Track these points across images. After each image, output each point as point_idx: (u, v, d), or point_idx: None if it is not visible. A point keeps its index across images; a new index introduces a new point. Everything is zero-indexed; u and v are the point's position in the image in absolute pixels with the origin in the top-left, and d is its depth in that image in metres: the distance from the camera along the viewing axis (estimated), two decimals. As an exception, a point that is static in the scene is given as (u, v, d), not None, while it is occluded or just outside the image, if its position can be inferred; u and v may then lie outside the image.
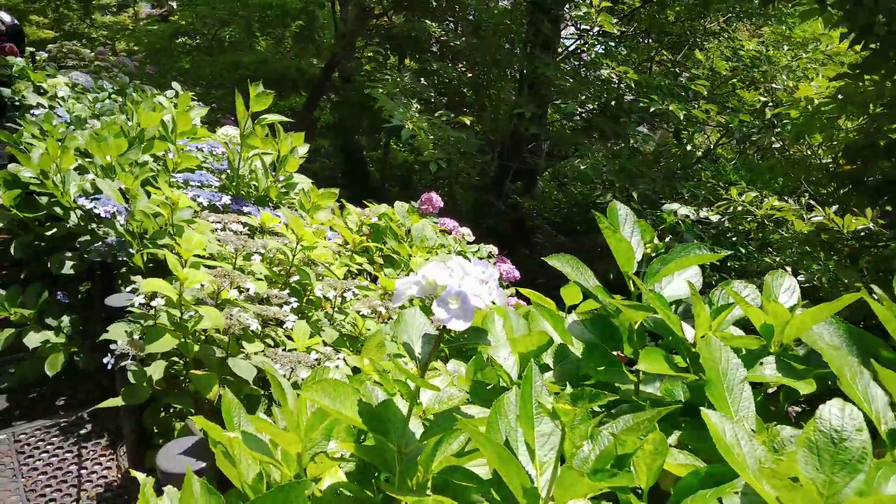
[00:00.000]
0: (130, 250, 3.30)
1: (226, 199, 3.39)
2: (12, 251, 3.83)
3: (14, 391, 3.78)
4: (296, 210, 3.69)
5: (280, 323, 2.01)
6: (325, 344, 2.05)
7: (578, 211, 7.66)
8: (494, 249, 4.62)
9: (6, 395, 3.74)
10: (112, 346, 1.90)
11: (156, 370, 1.84)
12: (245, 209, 3.38)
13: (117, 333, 1.94)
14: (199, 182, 3.58)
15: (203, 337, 1.96)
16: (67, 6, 16.10)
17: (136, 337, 1.95)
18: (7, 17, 11.54)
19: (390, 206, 3.77)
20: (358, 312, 2.23)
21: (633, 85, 5.93)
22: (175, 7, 14.49)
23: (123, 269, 3.35)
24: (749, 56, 6.74)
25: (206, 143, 4.11)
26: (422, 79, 7.71)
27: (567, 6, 7.44)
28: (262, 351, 1.90)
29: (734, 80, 6.95)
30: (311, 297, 2.33)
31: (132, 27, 15.28)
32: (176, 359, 2.01)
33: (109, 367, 1.91)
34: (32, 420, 3.42)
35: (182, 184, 3.60)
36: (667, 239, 5.00)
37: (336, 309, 2.27)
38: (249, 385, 1.86)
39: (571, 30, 8.89)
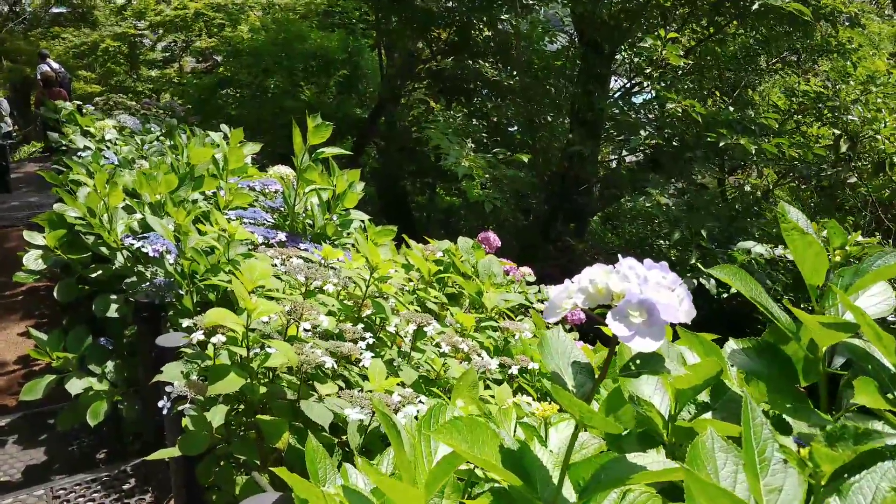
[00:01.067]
0: (180, 291, 3.11)
1: (281, 236, 3.19)
2: (56, 294, 3.66)
3: (54, 441, 3.57)
4: (353, 248, 3.47)
5: (354, 361, 1.76)
6: (403, 385, 1.80)
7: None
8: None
9: (45, 447, 3.53)
10: (167, 389, 1.67)
11: (216, 415, 1.60)
12: (301, 246, 3.17)
13: (172, 374, 1.71)
14: (251, 219, 3.38)
15: (270, 377, 1.72)
16: (115, 61, 16.43)
17: (193, 377, 1.72)
18: (56, 65, 11.74)
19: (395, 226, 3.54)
20: (437, 347, 1.98)
21: (699, 120, 5.69)
22: (219, 60, 14.67)
23: (171, 312, 3.15)
24: (813, 92, 6.47)
25: (258, 181, 3.94)
26: (473, 120, 7.55)
27: (623, 45, 7.28)
28: (337, 393, 1.65)
29: (798, 116, 6.68)
30: (382, 335, 2.09)
31: (177, 80, 15.51)
32: (236, 402, 1.77)
33: (165, 411, 1.68)
34: (72, 474, 3.20)
35: (234, 221, 3.42)
36: (740, 280, 4.71)
37: (412, 346, 2.02)
38: (323, 432, 1.61)
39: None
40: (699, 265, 5.06)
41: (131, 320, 3.46)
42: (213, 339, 1.71)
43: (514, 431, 1.24)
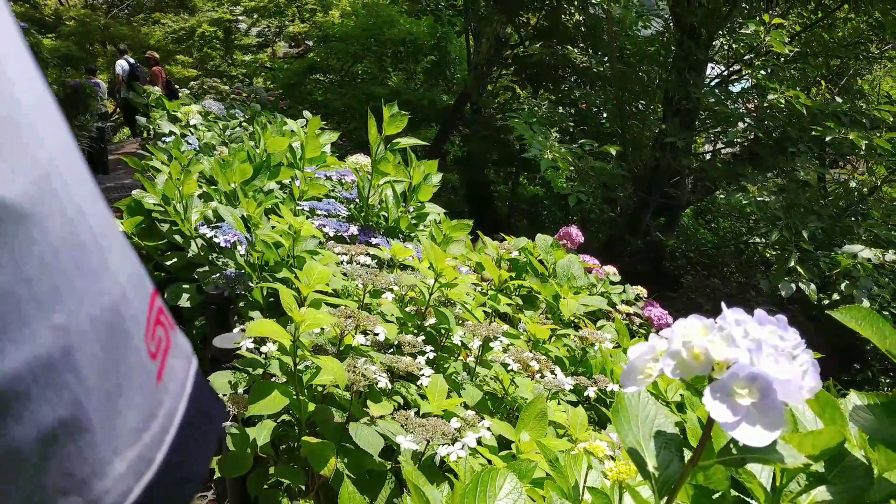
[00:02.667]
0: (250, 283, 3.04)
1: (353, 230, 3.07)
2: (132, 281, 3.67)
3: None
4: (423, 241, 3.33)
5: (413, 378, 1.61)
6: (465, 407, 1.64)
7: (727, 251, 6.97)
8: (643, 291, 4.11)
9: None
10: (211, 401, 1.56)
11: (261, 433, 1.48)
12: (374, 240, 3.05)
13: (220, 384, 1.60)
14: (325, 211, 3.29)
15: (321, 394, 1.59)
16: (211, 46, 16.81)
17: (240, 391, 1.60)
18: (132, 61, 12.04)
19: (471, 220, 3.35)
20: (506, 366, 1.81)
21: (804, 112, 5.26)
22: (311, 46, 14.81)
23: (242, 304, 3.09)
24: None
25: (335, 171, 3.84)
26: (559, 108, 7.29)
27: (722, 30, 6.85)
28: (392, 414, 1.51)
29: (882, 106, 6.12)
30: (447, 344, 1.94)
31: (270, 65, 15.75)
32: (287, 417, 1.65)
33: (205, 427, 1.57)
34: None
35: (308, 212, 3.32)
36: (842, 286, 4.34)
37: (478, 360, 1.86)
38: (374, 458, 1.46)
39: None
40: (798, 268, 4.68)
41: (203, 310, 3.43)
42: (264, 349, 1.59)
43: (584, 487, 1.06)
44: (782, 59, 6.25)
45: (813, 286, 4.55)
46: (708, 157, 7.96)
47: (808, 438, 0.83)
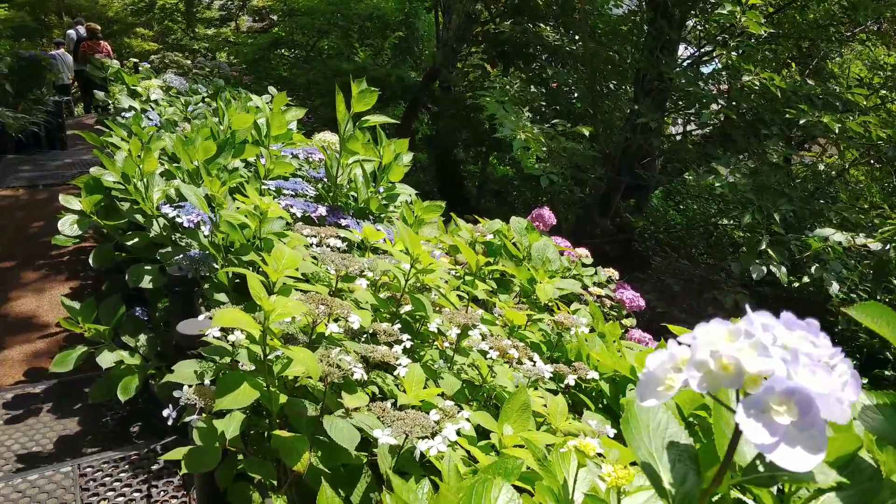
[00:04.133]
0: (214, 265, 2.94)
1: (321, 211, 2.98)
2: (91, 261, 3.53)
3: (89, 412, 3.46)
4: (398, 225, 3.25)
5: (389, 368, 1.54)
6: (443, 396, 1.58)
7: (697, 232, 6.98)
8: (615, 274, 4.08)
9: (78, 417, 3.43)
10: (175, 393, 1.47)
11: (230, 426, 1.40)
12: (343, 222, 2.97)
13: (184, 374, 1.51)
14: (292, 190, 3.19)
15: (292, 384, 1.52)
16: (172, 19, 16.40)
17: (207, 382, 1.52)
18: (83, 30, 11.66)
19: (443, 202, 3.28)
20: (484, 353, 1.75)
21: (778, 94, 5.23)
22: (275, 20, 14.50)
23: (207, 286, 2.99)
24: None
25: (301, 149, 3.73)
26: (531, 87, 7.19)
27: (695, 10, 6.80)
28: (367, 405, 1.44)
29: (883, 92, 6.14)
30: (423, 331, 1.87)
31: (233, 39, 15.41)
32: (257, 409, 1.57)
33: (170, 422, 1.49)
34: (101, 451, 3.07)
35: (274, 192, 3.22)
36: (812, 268, 4.35)
37: (455, 348, 1.79)
38: (350, 452, 1.40)
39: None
40: (769, 251, 4.67)
41: (166, 292, 3.31)
42: (232, 337, 1.51)
43: (575, 487, 1.01)
44: (754, 41, 6.24)
45: (784, 269, 4.55)
46: (679, 138, 7.95)
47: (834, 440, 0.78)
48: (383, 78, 8.71)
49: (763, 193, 5.01)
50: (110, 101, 5.34)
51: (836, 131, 4.90)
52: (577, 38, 8.31)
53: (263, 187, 3.20)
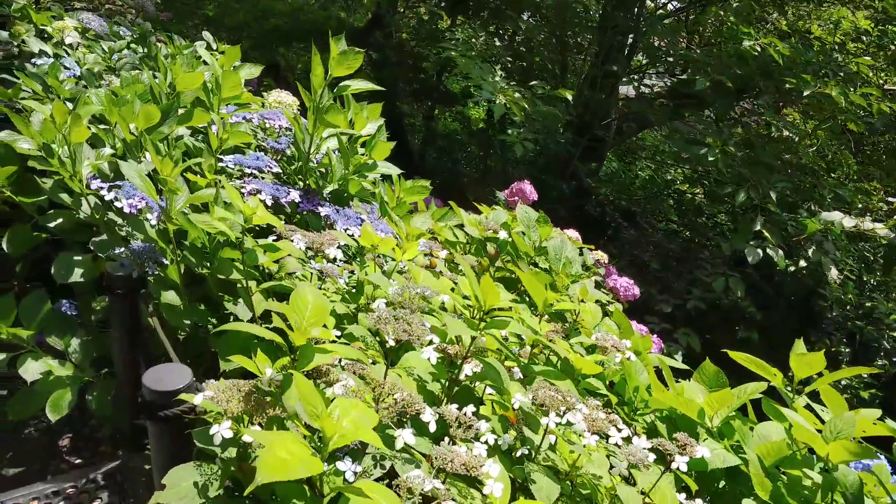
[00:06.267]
0: (163, 259, 2.44)
1: (294, 195, 2.50)
2: (4, 245, 2.93)
3: (9, 431, 2.91)
4: (379, 209, 2.79)
5: (469, 480, 1.12)
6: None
7: (661, 197, 6.66)
8: (603, 257, 3.75)
9: (-6, 438, 2.87)
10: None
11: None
12: (322, 211, 2.49)
13: (181, 491, 1.05)
14: (254, 168, 2.68)
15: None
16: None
17: (212, 494, 1.07)
18: None
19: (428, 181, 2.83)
20: (577, 434, 1.35)
21: (780, 61, 4.87)
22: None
23: (153, 281, 2.49)
24: (878, 30, 5.67)
25: (256, 113, 3.20)
26: (495, 39, 6.65)
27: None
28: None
29: (847, 56, 5.89)
30: (484, 398, 1.45)
31: (147, -30, 14.15)
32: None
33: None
34: (26, 482, 2.54)
35: (233, 169, 2.71)
36: (810, 251, 4.10)
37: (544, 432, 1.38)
38: None
39: None
40: (765, 232, 4.39)
41: (101, 287, 2.76)
42: (248, 438, 1.06)
43: None
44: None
45: (780, 252, 4.29)
46: (633, 97, 7.58)
47: None
48: (322, 21, 7.99)
49: (756, 167, 4.71)
50: (14, 44, 4.58)
51: (843, 104, 4.61)
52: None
53: (220, 164, 2.68)
